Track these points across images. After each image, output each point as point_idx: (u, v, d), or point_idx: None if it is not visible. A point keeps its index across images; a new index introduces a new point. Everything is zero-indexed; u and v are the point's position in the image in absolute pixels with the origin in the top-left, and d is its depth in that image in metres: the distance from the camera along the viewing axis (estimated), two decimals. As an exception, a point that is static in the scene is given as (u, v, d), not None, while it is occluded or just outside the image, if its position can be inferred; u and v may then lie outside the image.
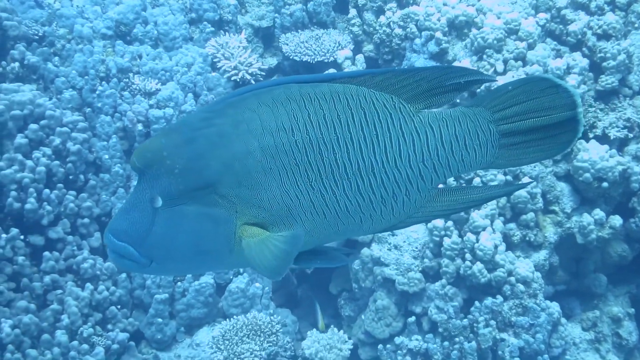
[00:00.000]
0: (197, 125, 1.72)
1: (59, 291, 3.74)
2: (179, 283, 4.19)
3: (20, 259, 3.69)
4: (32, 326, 3.55)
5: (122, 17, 4.86)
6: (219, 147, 1.70)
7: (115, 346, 3.76)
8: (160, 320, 4.12)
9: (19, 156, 3.82)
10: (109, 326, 3.86)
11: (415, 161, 1.79)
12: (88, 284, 3.80)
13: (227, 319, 4.14)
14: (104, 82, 4.47)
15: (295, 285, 4.72)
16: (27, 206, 3.75)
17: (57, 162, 3.91)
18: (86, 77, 4.51)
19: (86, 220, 3.98)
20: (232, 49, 4.93)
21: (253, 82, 4.93)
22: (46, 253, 3.79)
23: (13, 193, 3.74)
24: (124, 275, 4.10)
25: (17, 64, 4.47)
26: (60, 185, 3.90)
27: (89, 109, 4.44)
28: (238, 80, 4.89)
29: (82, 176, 4.05)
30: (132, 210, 1.77)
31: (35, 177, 3.81)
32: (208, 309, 4.25)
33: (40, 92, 4.21)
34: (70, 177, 4.00)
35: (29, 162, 3.82)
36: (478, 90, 3.89)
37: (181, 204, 1.72)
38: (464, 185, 3.75)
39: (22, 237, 3.74)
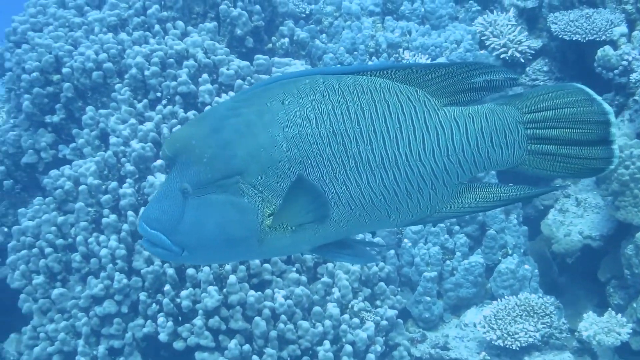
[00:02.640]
0: (225, 114, 1.78)
1: (330, 264, 3.88)
2: (447, 262, 4.27)
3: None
4: (303, 298, 3.70)
5: (390, -7, 5.01)
6: (245, 136, 1.75)
7: (384, 322, 3.86)
8: (428, 298, 4.21)
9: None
10: (377, 302, 3.97)
11: (439, 155, 1.80)
12: (358, 258, 3.93)
13: (497, 300, 4.16)
14: (373, 57, 4.61)
15: (556, 273, 4.65)
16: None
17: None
18: (355, 52, 4.67)
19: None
20: (501, 26, 4.95)
21: (522, 60, 4.93)
22: (312, 226, 3.95)
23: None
24: (392, 251, 4.22)
25: (286, 40, 4.73)
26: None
27: (358, 84, 4.60)
28: (507, 58, 4.91)
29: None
30: (163, 199, 1.85)
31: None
32: (477, 289, 4.30)
33: (309, 67, 4.41)
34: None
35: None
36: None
37: (210, 193, 1.78)
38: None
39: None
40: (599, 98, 1.80)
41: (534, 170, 1.88)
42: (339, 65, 4.26)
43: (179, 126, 3.86)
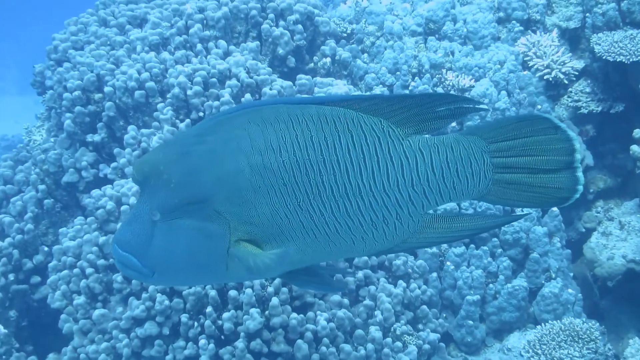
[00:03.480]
0: (191, 141, 1.84)
1: (372, 287, 3.87)
2: (490, 285, 4.25)
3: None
4: (345, 321, 3.69)
5: (432, 14, 5.00)
6: (211, 163, 1.80)
7: (426, 346, 3.85)
8: (470, 322, 4.19)
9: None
10: (420, 325, 3.96)
11: (404, 185, 1.84)
12: (400, 281, 3.92)
13: (541, 324, 4.14)
14: (416, 78, 4.61)
15: (597, 297, 4.62)
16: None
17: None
18: (397, 73, 4.68)
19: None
20: (544, 47, 4.94)
21: (565, 81, 4.91)
22: (357, 248, 3.94)
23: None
24: (434, 274, 4.21)
25: (328, 60, 4.75)
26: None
27: (401, 105, 4.61)
28: (550, 79, 4.89)
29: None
30: (134, 221, 1.89)
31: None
32: (520, 313, 4.27)
33: (352, 87, 4.42)
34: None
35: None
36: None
37: (178, 218, 1.83)
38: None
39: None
40: (563, 125, 1.84)
41: (500, 200, 1.91)
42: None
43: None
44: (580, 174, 1.86)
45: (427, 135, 1.86)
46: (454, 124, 3.98)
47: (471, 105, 1.87)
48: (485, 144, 1.87)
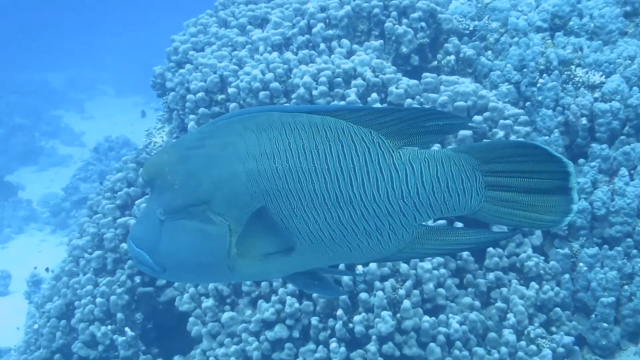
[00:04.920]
0: (192, 144, 1.91)
1: (504, 289, 3.84)
2: (625, 286, 4.17)
3: (465, 254, 3.85)
4: (478, 323, 3.67)
5: (557, 9, 4.92)
6: (210, 167, 1.87)
7: (560, 350, 3.79)
8: (605, 325, 4.11)
9: (463, 149, 4.01)
10: (553, 328, 3.91)
11: (394, 197, 1.87)
12: (532, 283, 3.88)
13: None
14: (544, 75, 4.55)
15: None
16: (473, 200, 3.91)
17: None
18: (524, 70, 4.63)
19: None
20: (674, 41, 4.83)
21: None
22: (490, 249, 3.92)
23: (458, 186, 3.92)
24: (567, 276, 4.15)
25: (452, 57, 4.72)
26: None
27: (527, 102, 4.55)
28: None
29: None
30: (145, 219, 1.99)
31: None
32: (657, 315, 4.19)
33: (479, 85, 4.39)
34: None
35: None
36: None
37: (181, 218, 1.91)
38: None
39: (466, 231, 3.92)
40: (557, 154, 1.84)
41: (493, 218, 1.92)
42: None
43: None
44: (575, 195, 1.86)
45: (417, 149, 1.90)
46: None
47: (459, 122, 1.91)
48: (477, 162, 1.88)
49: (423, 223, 1.93)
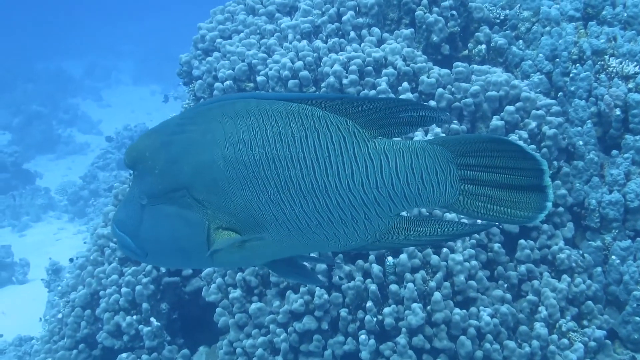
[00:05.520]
0: (173, 130, 1.94)
1: (535, 282, 3.81)
2: (658, 281, 4.14)
3: (496, 246, 3.82)
4: (509, 316, 3.64)
5: (591, -2, 4.89)
6: (190, 153, 1.90)
7: (592, 343, 3.76)
8: (637, 319, 4.07)
9: (496, 139, 3.97)
10: (584, 322, 3.88)
11: (369, 187, 1.88)
12: (564, 276, 3.85)
13: None
14: (577, 65, 4.51)
15: None
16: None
17: (532, 146, 4.00)
18: (556, 60, 4.59)
19: (560, 209, 4.04)
20: None
21: None
22: (521, 241, 3.89)
23: (490, 177, 3.89)
24: (599, 268, 4.11)
25: (483, 47, 4.68)
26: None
27: (560, 92, 4.51)
28: None
29: (555, 162, 4.12)
30: (128, 204, 2.02)
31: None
32: (686, 309, 4.15)
33: (511, 75, 4.36)
34: (542, 163, 4.06)
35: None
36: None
37: (162, 203, 1.94)
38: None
39: (496, 223, 3.87)
40: (531, 152, 1.87)
41: (467, 211, 1.94)
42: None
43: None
44: (550, 192, 1.89)
45: (393, 139, 1.92)
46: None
47: (433, 115, 1.92)
48: (451, 155, 1.90)
49: (399, 214, 1.97)
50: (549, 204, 1.89)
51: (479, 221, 2.04)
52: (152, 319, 4.19)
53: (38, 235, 11.66)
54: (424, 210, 3.39)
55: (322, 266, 3.62)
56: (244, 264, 2.44)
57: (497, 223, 2.11)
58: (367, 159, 1.88)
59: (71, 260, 7.25)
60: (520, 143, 1.96)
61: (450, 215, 3.57)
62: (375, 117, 1.88)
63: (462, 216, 3.41)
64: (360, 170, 1.89)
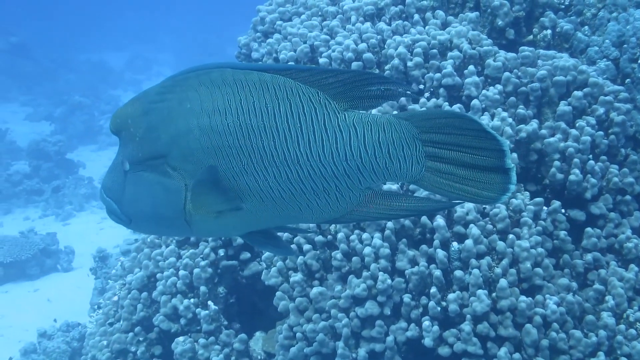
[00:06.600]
0: (154, 98, 1.98)
1: (602, 270, 3.76)
2: None
3: (562, 233, 3.78)
4: (575, 305, 3.60)
5: (658, -17, 4.83)
6: (168, 122, 1.95)
7: (656, 335, 3.73)
8: (687, 311, 4.03)
9: (562, 124, 3.93)
10: (652, 312, 3.84)
11: (338, 159, 1.92)
12: (632, 265, 3.79)
13: None
14: (645, 51, 4.46)
15: None
16: (571, 177, 3.82)
17: (600, 132, 3.95)
18: (624, 46, 4.53)
19: (628, 197, 3.98)
20: None
21: None
22: (588, 229, 3.84)
23: (557, 163, 3.85)
24: (663, 257, 4.06)
25: (549, 32, 4.63)
26: (603, 157, 3.94)
27: (627, 79, 4.45)
28: None
29: (623, 150, 4.06)
30: (114, 170, 2.08)
31: (579, 147, 3.88)
32: None
33: (578, 60, 4.31)
34: (612, 149, 4.01)
35: (573, 131, 3.91)
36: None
37: (142, 170, 1.99)
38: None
39: (563, 210, 3.84)
40: (492, 131, 1.89)
41: (434, 188, 1.96)
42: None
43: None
44: (513, 175, 1.91)
45: (363, 112, 1.95)
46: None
47: (401, 90, 1.95)
48: (417, 131, 1.93)
49: (370, 187, 2.00)
50: (512, 186, 1.91)
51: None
52: (209, 302, 4.20)
53: (82, 224, 11.75)
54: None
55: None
56: (222, 233, 2.54)
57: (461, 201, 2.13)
58: (337, 131, 1.92)
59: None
60: (482, 121, 2.03)
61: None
62: (344, 89, 1.92)
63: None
64: (331, 142, 1.92)
